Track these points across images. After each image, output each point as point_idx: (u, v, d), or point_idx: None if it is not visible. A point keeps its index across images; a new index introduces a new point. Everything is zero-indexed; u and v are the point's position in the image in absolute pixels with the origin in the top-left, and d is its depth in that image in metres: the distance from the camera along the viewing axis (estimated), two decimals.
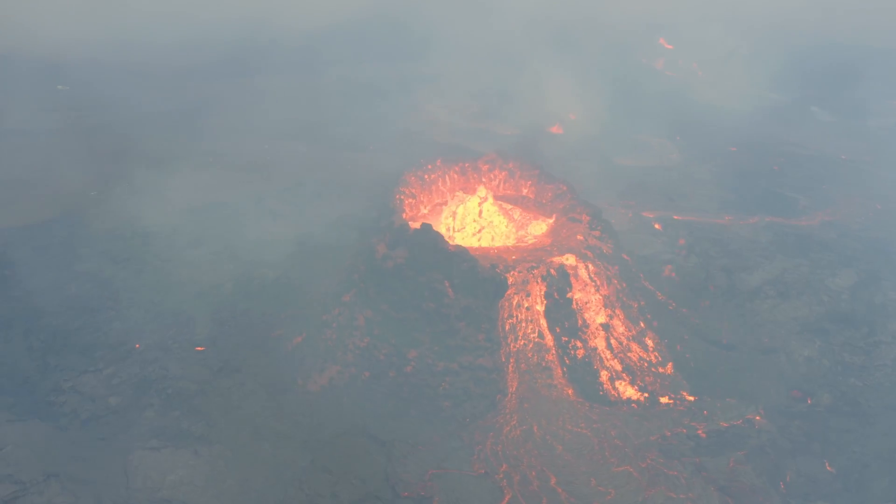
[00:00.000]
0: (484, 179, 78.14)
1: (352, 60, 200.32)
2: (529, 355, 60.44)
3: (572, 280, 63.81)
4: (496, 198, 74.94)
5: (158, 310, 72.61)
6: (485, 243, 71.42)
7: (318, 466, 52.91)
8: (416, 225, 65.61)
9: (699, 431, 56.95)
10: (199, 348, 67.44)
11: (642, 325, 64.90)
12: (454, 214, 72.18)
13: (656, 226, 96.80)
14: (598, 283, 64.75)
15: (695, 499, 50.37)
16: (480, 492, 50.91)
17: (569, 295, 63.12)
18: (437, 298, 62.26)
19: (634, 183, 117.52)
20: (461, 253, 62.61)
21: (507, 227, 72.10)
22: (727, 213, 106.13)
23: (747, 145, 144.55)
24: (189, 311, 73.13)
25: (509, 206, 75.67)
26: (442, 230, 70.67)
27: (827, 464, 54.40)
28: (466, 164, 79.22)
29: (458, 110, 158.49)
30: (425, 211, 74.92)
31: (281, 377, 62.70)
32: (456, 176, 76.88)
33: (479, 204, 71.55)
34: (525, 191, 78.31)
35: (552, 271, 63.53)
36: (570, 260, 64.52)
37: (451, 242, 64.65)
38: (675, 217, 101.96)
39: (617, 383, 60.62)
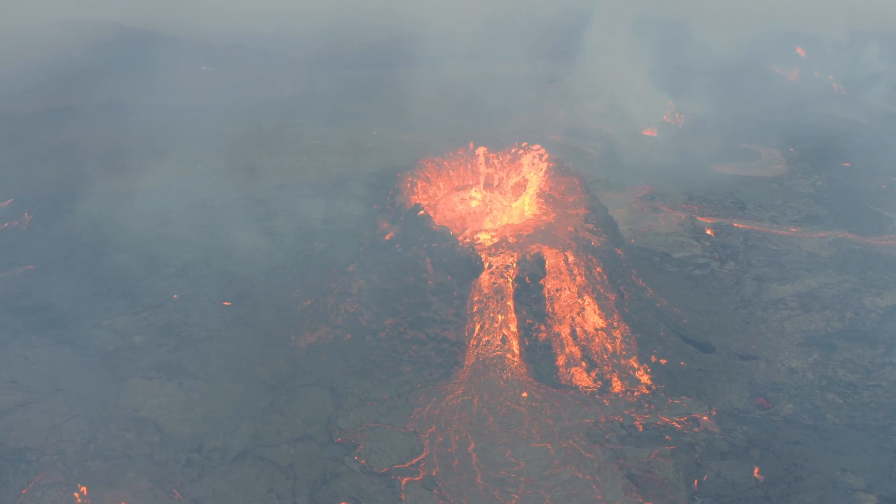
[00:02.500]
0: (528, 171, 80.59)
1: (488, 57, 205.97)
2: (491, 334, 64.03)
3: (547, 267, 66.43)
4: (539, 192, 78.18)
5: (208, 269, 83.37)
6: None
7: (275, 408, 60.20)
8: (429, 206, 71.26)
9: (636, 423, 58.02)
10: (225, 303, 77.08)
11: (616, 317, 66.25)
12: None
13: (708, 231, 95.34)
14: (576, 273, 66.93)
15: (600, 481, 52.23)
16: (402, 446, 55.88)
17: (541, 282, 65.86)
18: (417, 273, 67.57)
19: (717, 189, 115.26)
20: (443, 233, 67.39)
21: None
22: (798, 226, 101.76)
23: (863, 164, 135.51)
24: (232, 272, 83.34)
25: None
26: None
27: (756, 470, 53.75)
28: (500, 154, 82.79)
29: (579, 110, 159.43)
30: (440, 195, 79.71)
31: (279, 334, 70.76)
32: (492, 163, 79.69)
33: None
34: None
35: (528, 257, 66.56)
36: (547, 249, 67.11)
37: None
38: (736, 224, 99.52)
39: (572, 369, 62.82)
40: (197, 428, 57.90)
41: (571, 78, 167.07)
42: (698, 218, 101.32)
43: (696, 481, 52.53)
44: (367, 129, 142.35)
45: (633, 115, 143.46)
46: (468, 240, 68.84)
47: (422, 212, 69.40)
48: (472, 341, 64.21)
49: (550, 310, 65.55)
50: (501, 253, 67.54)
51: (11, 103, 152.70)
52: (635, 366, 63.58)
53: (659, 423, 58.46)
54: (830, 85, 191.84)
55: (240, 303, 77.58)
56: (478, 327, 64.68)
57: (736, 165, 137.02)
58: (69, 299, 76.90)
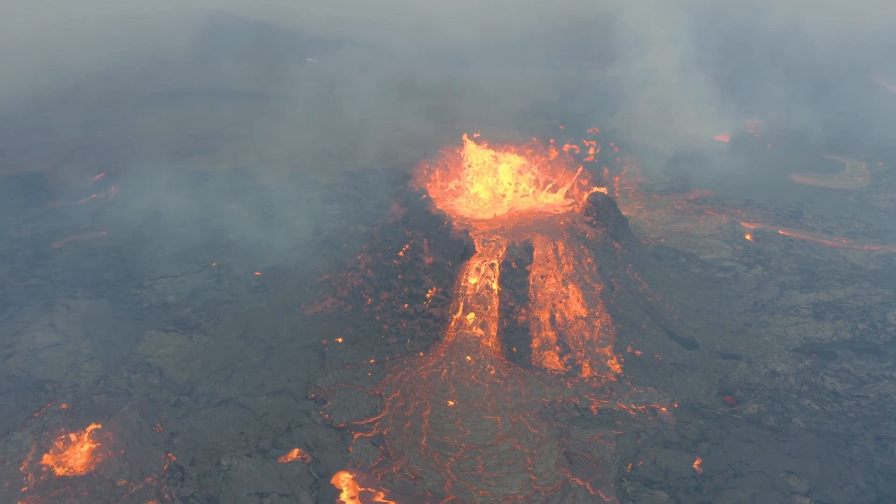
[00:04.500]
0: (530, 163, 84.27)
1: (595, 58, 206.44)
2: (474, 314, 67.37)
3: (535, 255, 68.95)
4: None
5: (252, 243, 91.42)
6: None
7: (265, 365, 66.44)
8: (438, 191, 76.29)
9: (592, 406, 59.66)
10: (256, 273, 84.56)
11: (599, 307, 67.76)
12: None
13: (747, 236, 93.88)
14: (563, 262, 68.98)
15: (536, 455, 54.65)
16: (365, 406, 60.55)
17: (527, 268, 68.48)
18: (414, 252, 72.03)
19: (783, 198, 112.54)
20: (439, 216, 71.40)
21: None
22: (852, 238, 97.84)
23: None
24: (272, 246, 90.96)
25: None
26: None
27: (697, 463, 54.19)
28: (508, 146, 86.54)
29: (669, 113, 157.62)
30: (453, 185, 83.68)
31: (291, 302, 77.32)
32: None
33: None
34: (558, 177, 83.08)
35: (517, 243, 69.36)
36: (539, 237, 69.60)
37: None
38: (781, 231, 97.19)
39: (545, 352, 65.07)
40: (193, 375, 64.92)
41: (654, 81, 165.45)
42: (742, 223, 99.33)
43: (629, 465, 53.65)
44: (452, 124, 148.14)
45: (706, 119, 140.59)
46: (463, 224, 72.43)
47: (424, 196, 73.58)
48: (454, 319, 67.69)
49: (533, 295, 67.95)
50: (493, 238, 70.57)
51: (121, 86, 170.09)
52: (608, 354, 64.88)
53: (615, 408, 59.73)
54: None
55: (268, 273, 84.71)
56: (462, 306, 68.06)
57: (816, 176, 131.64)
58: (124, 262, 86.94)
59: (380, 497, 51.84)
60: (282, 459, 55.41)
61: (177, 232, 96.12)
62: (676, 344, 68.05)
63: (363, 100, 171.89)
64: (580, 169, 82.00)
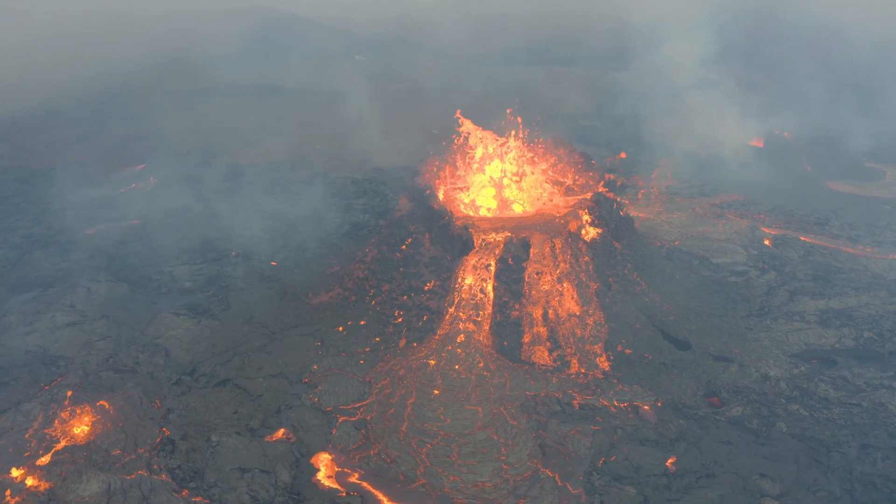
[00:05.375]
0: (538, 160, 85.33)
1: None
2: (469, 308, 68.83)
3: (532, 252, 69.98)
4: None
5: (271, 235, 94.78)
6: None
7: (265, 350, 69.39)
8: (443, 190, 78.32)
9: (575, 402, 60.43)
10: (272, 263, 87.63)
11: (594, 305, 68.36)
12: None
13: (766, 241, 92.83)
14: (560, 260, 69.81)
15: (511, 445, 55.82)
16: (353, 392, 62.81)
17: (523, 264, 69.57)
18: (415, 246, 73.94)
19: (814, 204, 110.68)
20: (441, 211, 73.09)
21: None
22: (878, 247, 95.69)
23: None
24: (291, 235, 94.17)
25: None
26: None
27: (671, 461, 54.49)
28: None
29: (705, 117, 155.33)
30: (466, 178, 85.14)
31: (300, 292, 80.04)
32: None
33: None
34: (568, 176, 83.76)
35: (515, 240, 70.53)
36: (537, 234, 70.59)
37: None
38: (802, 238, 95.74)
39: (535, 347, 66.07)
40: (196, 356, 68.07)
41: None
42: (763, 228, 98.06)
43: (601, 460, 54.27)
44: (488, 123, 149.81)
45: (741, 123, 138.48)
46: (463, 220, 73.90)
47: (428, 191, 75.32)
48: (449, 312, 69.21)
49: (528, 291, 68.93)
50: (492, 234, 71.85)
51: (169, 81, 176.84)
52: (598, 352, 65.44)
53: (597, 405, 60.35)
54: None
55: (283, 264, 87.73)
56: (457, 300, 69.53)
57: (854, 184, 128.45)
58: (151, 249, 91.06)
59: (354, 477, 53.78)
60: (268, 438, 57.92)
61: (204, 223, 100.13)
62: (669, 344, 68.10)
63: (408, 98, 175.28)
64: (604, 177, 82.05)
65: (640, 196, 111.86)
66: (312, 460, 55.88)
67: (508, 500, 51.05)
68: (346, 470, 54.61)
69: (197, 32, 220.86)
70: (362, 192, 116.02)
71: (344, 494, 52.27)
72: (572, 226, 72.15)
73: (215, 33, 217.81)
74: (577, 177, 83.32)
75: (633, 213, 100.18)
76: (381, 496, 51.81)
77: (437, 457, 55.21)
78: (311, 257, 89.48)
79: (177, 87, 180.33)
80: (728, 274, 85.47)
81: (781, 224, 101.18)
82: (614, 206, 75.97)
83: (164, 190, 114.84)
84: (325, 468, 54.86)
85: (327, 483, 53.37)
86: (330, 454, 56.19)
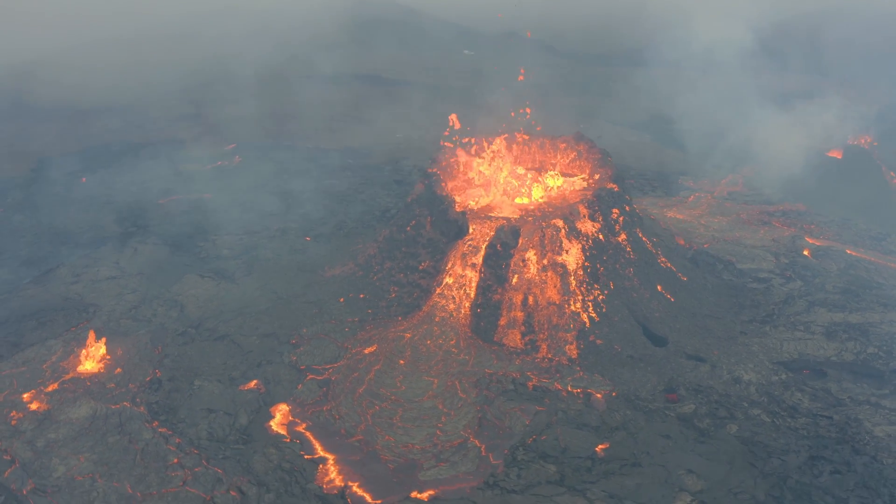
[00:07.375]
0: (559, 157, 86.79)
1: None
2: (455, 288, 71.81)
3: (521, 241, 71.91)
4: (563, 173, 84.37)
5: (322, 214, 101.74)
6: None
7: (267, 312, 75.53)
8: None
9: (530, 383, 62.04)
10: (307, 238, 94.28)
11: (576, 296, 69.35)
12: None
13: (805, 251, 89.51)
14: (548, 249, 71.26)
15: (452, 416, 58.43)
16: (328, 355, 67.51)
17: (511, 251, 71.66)
18: (417, 228, 77.80)
19: (881, 218, 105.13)
20: (441, 198, 76.49)
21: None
22: None
23: None
24: (336, 214, 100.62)
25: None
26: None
27: (601, 447, 55.08)
28: (542, 140, 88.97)
29: (791, 126, 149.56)
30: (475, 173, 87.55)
31: (319, 265, 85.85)
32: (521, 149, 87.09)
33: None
34: (585, 171, 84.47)
35: (506, 228, 72.74)
36: (530, 224, 72.41)
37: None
38: (848, 251, 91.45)
39: (510, 330, 68.04)
40: (205, 313, 75.17)
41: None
42: (808, 238, 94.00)
43: (532, 438, 55.74)
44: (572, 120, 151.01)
45: (823, 134, 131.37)
46: (464, 206, 76.75)
47: (434, 177, 78.76)
48: (437, 291, 72.39)
49: (511, 277, 70.84)
50: (486, 222, 74.31)
51: (272, 68, 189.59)
52: (569, 340, 66.39)
53: (552, 388, 61.56)
54: None
55: (317, 240, 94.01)
56: (445, 281, 72.59)
57: None
58: (208, 220, 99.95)
59: (301, 427, 58.29)
60: (241, 387, 63.45)
61: (267, 199, 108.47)
62: (646, 340, 67.78)
63: (502, 94, 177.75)
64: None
65: (690, 199, 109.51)
66: (272, 409, 60.79)
67: (429, 462, 53.66)
68: (296, 420, 59.15)
69: (300, 22, 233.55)
70: (416, 181, 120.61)
71: (288, 440, 56.77)
72: (569, 218, 73.08)
73: (325, 24, 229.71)
74: (593, 172, 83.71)
75: (671, 214, 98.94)
76: (317, 445, 55.93)
77: (381, 418, 58.62)
78: (345, 234, 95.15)
79: (276, 74, 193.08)
80: (750, 280, 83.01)
81: (831, 235, 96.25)
82: (623, 203, 75.94)
83: (244, 168, 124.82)
84: (279, 416, 59.68)
85: (276, 429, 58.15)
86: (288, 406, 60.91)
